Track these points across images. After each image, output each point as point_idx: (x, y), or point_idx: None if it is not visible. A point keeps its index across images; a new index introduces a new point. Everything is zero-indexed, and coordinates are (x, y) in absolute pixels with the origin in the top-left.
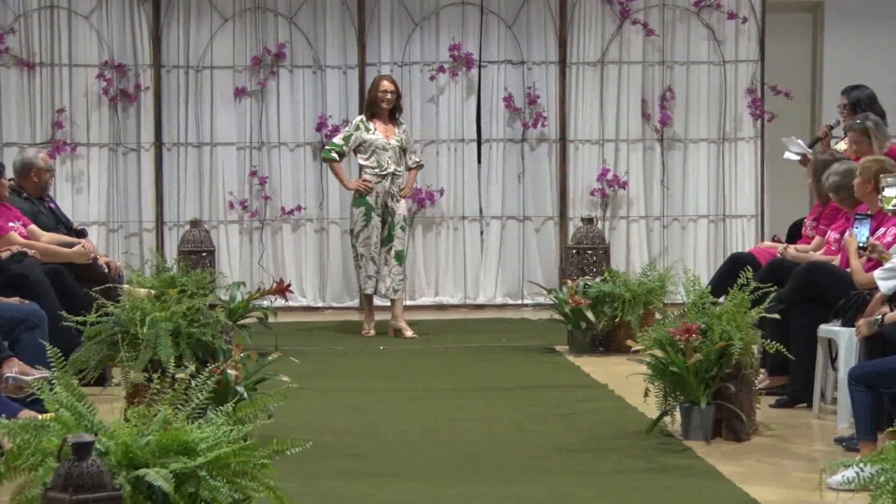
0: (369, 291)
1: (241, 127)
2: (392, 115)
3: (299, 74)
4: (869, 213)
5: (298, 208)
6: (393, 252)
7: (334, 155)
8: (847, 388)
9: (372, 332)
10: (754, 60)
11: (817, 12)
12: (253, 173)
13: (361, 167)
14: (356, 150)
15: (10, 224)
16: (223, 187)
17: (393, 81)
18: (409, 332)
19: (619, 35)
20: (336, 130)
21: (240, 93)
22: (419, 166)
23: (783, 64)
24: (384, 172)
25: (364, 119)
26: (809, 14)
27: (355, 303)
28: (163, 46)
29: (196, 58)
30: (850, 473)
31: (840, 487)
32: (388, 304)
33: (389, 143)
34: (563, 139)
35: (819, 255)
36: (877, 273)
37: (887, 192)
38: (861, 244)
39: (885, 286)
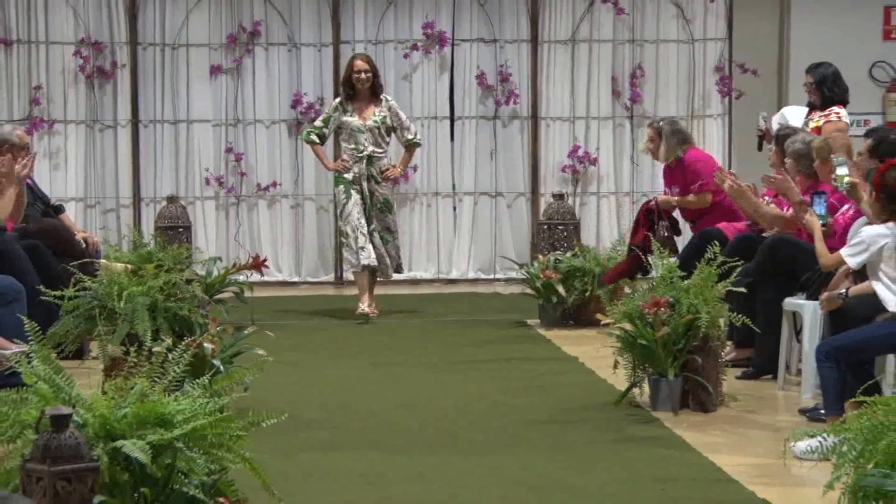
0: (366, 262)
1: (217, 104)
2: (373, 93)
3: (274, 52)
4: (824, 191)
5: (274, 184)
6: (377, 235)
7: (314, 137)
8: (815, 363)
9: (366, 308)
10: (722, 39)
11: None
12: (229, 150)
13: (342, 148)
14: (336, 132)
15: None
16: (199, 164)
17: (367, 60)
18: (363, 308)
19: (589, 14)
20: (310, 108)
21: (216, 70)
22: (413, 144)
23: (750, 42)
24: (361, 154)
25: (342, 100)
26: None
27: (330, 277)
28: (139, 24)
29: (172, 35)
30: (813, 443)
31: (804, 456)
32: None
33: (365, 125)
34: (534, 116)
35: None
36: (844, 251)
37: (839, 171)
38: (822, 221)
39: (853, 262)
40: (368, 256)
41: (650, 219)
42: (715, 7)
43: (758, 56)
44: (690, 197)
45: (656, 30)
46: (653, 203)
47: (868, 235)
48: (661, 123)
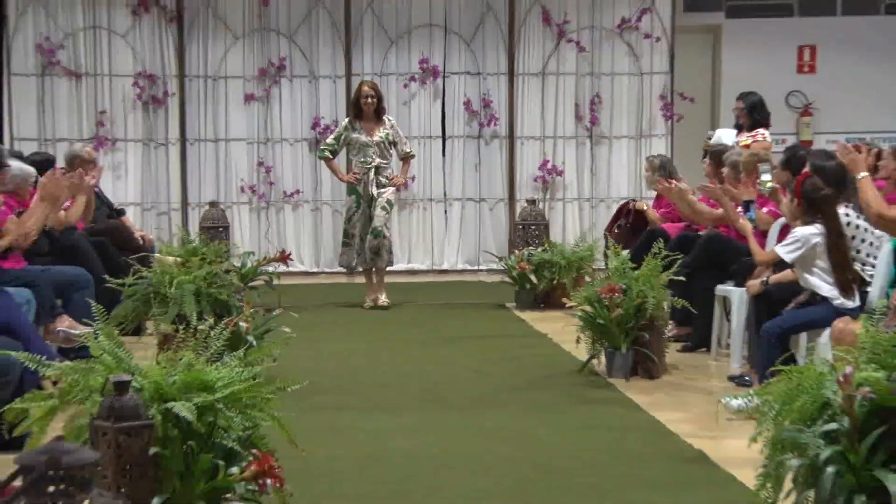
0: (361, 268)
1: (250, 126)
2: (377, 114)
3: (297, 83)
4: (752, 199)
5: (297, 192)
6: (370, 228)
7: (327, 154)
8: (764, 343)
9: (370, 302)
10: (665, 72)
11: (717, 33)
12: (260, 164)
13: (352, 161)
14: (347, 147)
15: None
16: (236, 175)
17: (373, 86)
18: (381, 300)
19: (556, 51)
20: (327, 129)
21: (249, 98)
22: (408, 156)
23: (689, 75)
24: (369, 165)
25: (350, 120)
26: (710, 34)
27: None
28: (186, 60)
29: (213, 69)
30: (742, 403)
31: (736, 414)
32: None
33: (372, 140)
34: (511, 136)
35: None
36: (779, 249)
37: (764, 177)
38: (752, 225)
39: (789, 257)
40: (363, 260)
41: (620, 213)
42: (660, 46)
43: (694, 86)
44: (658, 215)
45: (611, 64)
46: (630, 204)
47: (802, 235)
48: (654, 159)
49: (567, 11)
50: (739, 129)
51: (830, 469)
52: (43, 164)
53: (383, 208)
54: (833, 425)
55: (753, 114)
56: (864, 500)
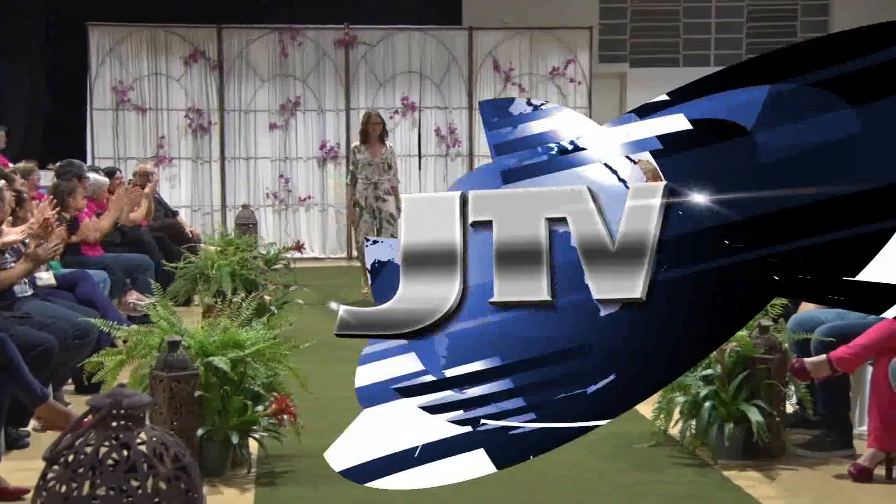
0: (360, 263)
1: (274, 147)
2: (380, 138)
3: (309, 115)
4: None
5: (309, 197)
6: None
7: (349, 180)
8: None
9: (365, 289)
10: (585, 107)
11: (623, 79)
12: (280, 176)
13: (357, 178)
14: (354, 166)
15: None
16: (262, 184)
17: (378, 115)
18: (364, 290)
19: (504, 91)
20: (332, 149)
21: (272, 126)
22: (396, 184)
23: (602, 109)
24: (370, 181)
25: (357, 145)
26: (618, 79)
27: (344, 255)
28: (225, 97)
29: (245, 104)
30: None
31: None
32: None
33: (374, 160)
34: (470, 155)
35: None
36: None
37: None
38: None
39: None
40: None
41: None
42: (581, 88)
43: (606, 118)
44: None
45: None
46: None
47: None
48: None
49: (511, 61)
50: None
51: (707, 404)
52: (109, 174)
53: (388, 222)
54: (709, 371)
55: None
56: (732, 426)
